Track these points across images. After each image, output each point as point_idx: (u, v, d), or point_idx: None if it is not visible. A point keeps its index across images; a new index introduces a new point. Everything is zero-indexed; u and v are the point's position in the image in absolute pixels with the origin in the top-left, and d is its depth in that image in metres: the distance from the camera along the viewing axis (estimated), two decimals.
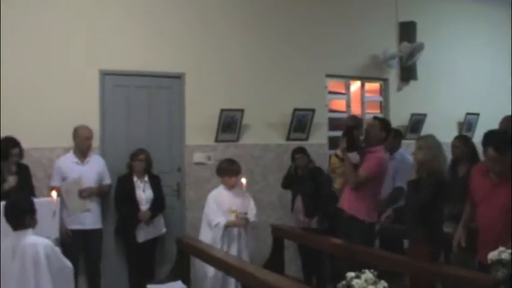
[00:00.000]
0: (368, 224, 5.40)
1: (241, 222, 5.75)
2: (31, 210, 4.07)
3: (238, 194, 5.92)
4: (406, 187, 5.53)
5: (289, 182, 6.85)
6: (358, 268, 3.23)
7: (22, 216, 4.00)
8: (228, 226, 5.71)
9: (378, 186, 5.53)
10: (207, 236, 5.73)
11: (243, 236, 5.85)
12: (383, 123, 5.69)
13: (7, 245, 3.97)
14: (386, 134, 5.56)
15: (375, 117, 6.18)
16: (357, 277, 3.21)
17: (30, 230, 4.01)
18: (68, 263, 4.12)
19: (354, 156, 5.48)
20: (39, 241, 3.96)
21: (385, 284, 3.18)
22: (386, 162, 5.64)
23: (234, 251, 5.75)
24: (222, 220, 5.69)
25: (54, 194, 3.47)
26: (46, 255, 3.91)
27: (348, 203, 5.48)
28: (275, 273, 4.43)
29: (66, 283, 4.06)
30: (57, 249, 4.08)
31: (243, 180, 5.97)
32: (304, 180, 6.66)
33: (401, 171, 6.51)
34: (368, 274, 3.20)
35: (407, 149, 8.14)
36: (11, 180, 5.37)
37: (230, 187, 5.90)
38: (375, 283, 3.18)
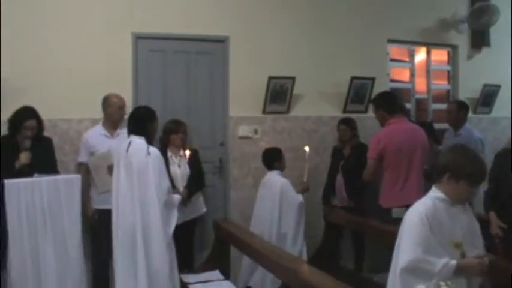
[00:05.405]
0: (383, 210, 5.21)
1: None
2: (279, 158, 5.87)
3: (460, 210, 3.23)
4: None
5: (333, 156, 6.49)
6: None
7: (271, 161, 5.85)
8: (462, 270, 3.06)
9: (391, 167, 5.21)
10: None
11: None
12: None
13: (265, 178, 5.86)
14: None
15: None
16: None
17: (276, 172, 5.79)
18: (298, 198, 5.63)
19: None
20: (280, 180, 5.70)
21: None
22: (390, 138, 5.22)
23: None
24: (448, 259, 3.03)
25: None
26: (281, 189, 5.61)
27: None
28: (321, 272, 3.74)
29: (292, 212, 5.59)
30: (291, 188, 5.65)
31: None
32: (348, 156, 6.22)
33: None
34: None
35: (480, 123, 7.53)
36: (22, 158, 4.74)
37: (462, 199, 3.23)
38: None
